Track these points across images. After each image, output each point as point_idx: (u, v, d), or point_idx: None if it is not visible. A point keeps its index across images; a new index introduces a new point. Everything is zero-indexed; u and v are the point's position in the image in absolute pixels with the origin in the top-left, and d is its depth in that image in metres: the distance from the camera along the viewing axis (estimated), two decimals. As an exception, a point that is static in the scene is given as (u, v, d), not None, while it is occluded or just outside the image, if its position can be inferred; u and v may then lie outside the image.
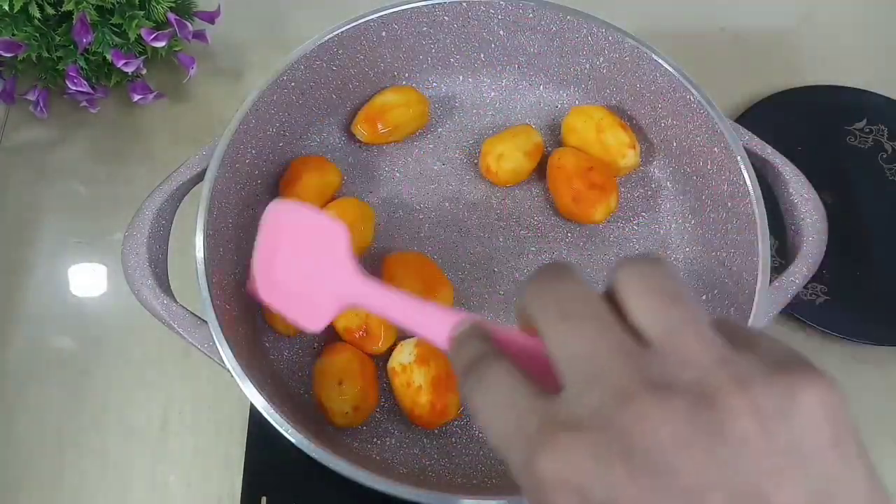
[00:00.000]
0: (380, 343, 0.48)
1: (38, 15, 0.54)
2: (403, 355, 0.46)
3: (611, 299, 0.22)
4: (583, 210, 0.51)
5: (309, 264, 0.37)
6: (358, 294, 0.34)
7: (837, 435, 0.19)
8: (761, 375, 0.19)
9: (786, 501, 0.18)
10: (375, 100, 0.55)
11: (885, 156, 0.61)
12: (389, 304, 0.32)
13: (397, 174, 0.55)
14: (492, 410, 0.22)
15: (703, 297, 0.50)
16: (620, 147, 0.53)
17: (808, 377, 0.19)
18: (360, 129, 0.54)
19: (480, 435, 0.47)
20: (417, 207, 0.54)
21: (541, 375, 0.22)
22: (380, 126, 0.54)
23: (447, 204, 0.54)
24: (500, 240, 0.53)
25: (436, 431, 0.47)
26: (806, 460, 0.18)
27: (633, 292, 0.21)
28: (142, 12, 0.56)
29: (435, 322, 0.29)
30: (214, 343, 0.42)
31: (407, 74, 0.57)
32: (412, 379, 0.46)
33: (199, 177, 0.47)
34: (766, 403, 0.18)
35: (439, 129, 0.57)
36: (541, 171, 0.55)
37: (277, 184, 0.53)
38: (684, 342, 0.20)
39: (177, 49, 0.61)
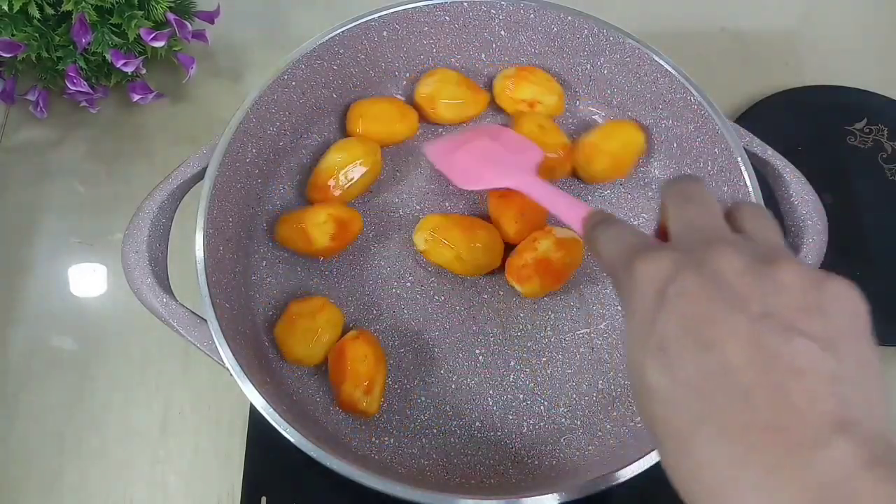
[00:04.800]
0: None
1: (37, 15, 0.54)
2: None
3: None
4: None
5: (494, 155, 0.49)
6: (527, 182, 0.45)
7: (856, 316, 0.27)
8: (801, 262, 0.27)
9: (810, 332, 0.24)
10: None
11: (885, 156, 0.61)
12: (545, 194, 0.43)
13: (397, 173, 0.55)
14: (611, 243, 0.30)
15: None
16: None
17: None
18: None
19: (480, 435, 0.47)
20: (418, 207, 0.54)
21: None
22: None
23: (447, 204, 0.54)
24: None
25: (435, 431, 0.47)
26: (826, 314, 0.25)
27: (741, 210, 0.30)
28: (141, 12, 0.56)
29: (574, 209, 0.38)
30: (214, 342, 0.42)
31: (407, 74, 0.57)
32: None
33: (200, 176, 0.47)
34: (809, 274, 0.25)
35: (439, 130, 0.57)
36: None
37: (276, 182, 0.54)
38: (765, 236, 0.29)
39: (176, 49, 0.61)
